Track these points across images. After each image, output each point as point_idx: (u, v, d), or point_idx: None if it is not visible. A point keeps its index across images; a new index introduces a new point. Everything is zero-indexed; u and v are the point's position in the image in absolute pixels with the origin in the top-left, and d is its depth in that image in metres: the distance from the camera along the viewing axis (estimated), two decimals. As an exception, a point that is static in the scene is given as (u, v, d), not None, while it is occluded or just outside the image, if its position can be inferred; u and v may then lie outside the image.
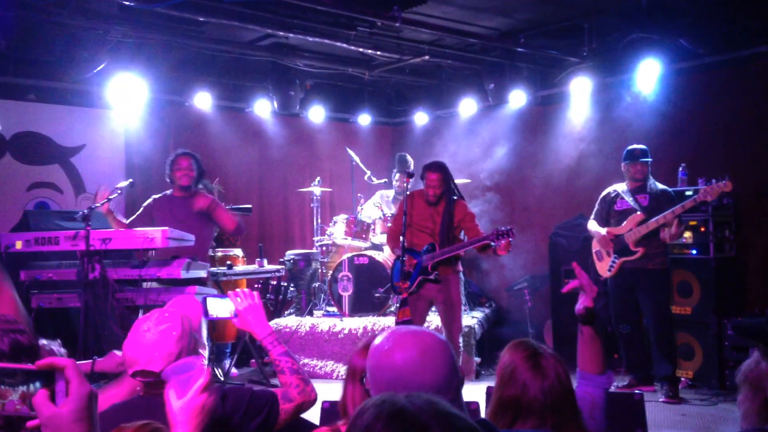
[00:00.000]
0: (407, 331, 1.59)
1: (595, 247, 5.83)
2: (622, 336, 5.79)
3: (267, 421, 2.23)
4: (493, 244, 4.98)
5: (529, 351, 1.95)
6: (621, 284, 5.66)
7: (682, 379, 5.78)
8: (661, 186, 5.65)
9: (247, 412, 2.20)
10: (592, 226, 5.82)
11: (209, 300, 2.59)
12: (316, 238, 7.45)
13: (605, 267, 5.70)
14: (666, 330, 5.55)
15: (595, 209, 5.87)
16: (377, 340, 1.60)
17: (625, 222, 5.57)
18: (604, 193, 5.84)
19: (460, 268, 5.54)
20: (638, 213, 5.49)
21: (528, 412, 1.87)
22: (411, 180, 5.45)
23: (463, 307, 5.71)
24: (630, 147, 5.69)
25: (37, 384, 1.09)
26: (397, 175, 7.35)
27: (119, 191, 5.17)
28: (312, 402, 2.39)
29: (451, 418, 1.01)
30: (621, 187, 5.73)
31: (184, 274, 4.84)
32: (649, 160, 5.63)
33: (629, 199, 5.61)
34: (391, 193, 7.52)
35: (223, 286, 6.10)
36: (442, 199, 5.40)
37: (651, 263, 5.49)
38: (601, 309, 6.65)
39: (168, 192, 5.56)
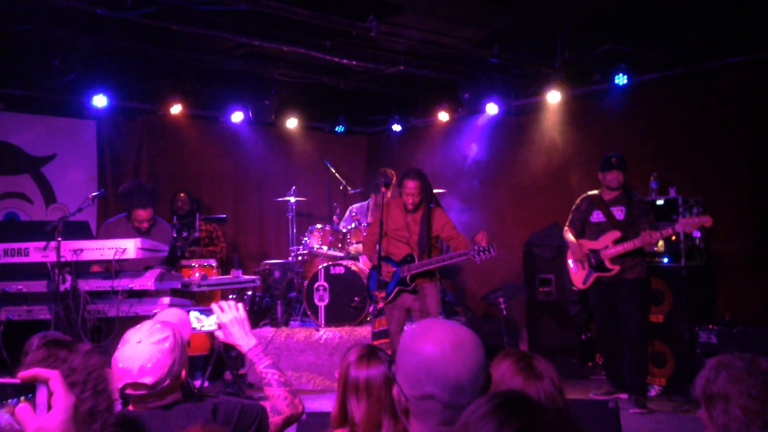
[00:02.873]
0: (444, 324, 1.58)
1: (570, 257, 5.84)
2: (602, 344, 5.84)
3: None
4: (472, 259, 5.04)
5: (518, 356, 1.99)
6: (600, 295, 5.67)
7: (656, 386, 5.84)
8: (638, 197, 5.64)
9: (237, 426, 2.17)
10: (568, 235, 5.81)
11: (192, 312, 2.56)
12: (292, 248, 7.42)
13: (581, 279, 5.72)
14: (640, 340, 5.54)
15: (570, 217, 5.85)
16: (412, 329, 1.60)
17: (601, 237, 5.56)
18: (578, 201, 5.83)
19: (438, 277, 5.54)
20: (615, 231, 5.47)
21: None
22: (386, 189, 5.44)
23: (440, 317, 5.71)
24: (606, 155, 5.71)
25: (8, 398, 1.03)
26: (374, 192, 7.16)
27: (89, 201, 5.11)
28: (300, 414, 2.36)
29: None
30: (596, 197, 5.70)
31: (157, 285, 4.78)
32: (623, 168, 5.61)
33: (604, 212, 5.60)
34: (366, 203, 7.49)
35: (197, 297, 6.03)
36: (419, 207, 5.40)
37: (629, 273, 5.50)
38: (576, 316, 6.72)
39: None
